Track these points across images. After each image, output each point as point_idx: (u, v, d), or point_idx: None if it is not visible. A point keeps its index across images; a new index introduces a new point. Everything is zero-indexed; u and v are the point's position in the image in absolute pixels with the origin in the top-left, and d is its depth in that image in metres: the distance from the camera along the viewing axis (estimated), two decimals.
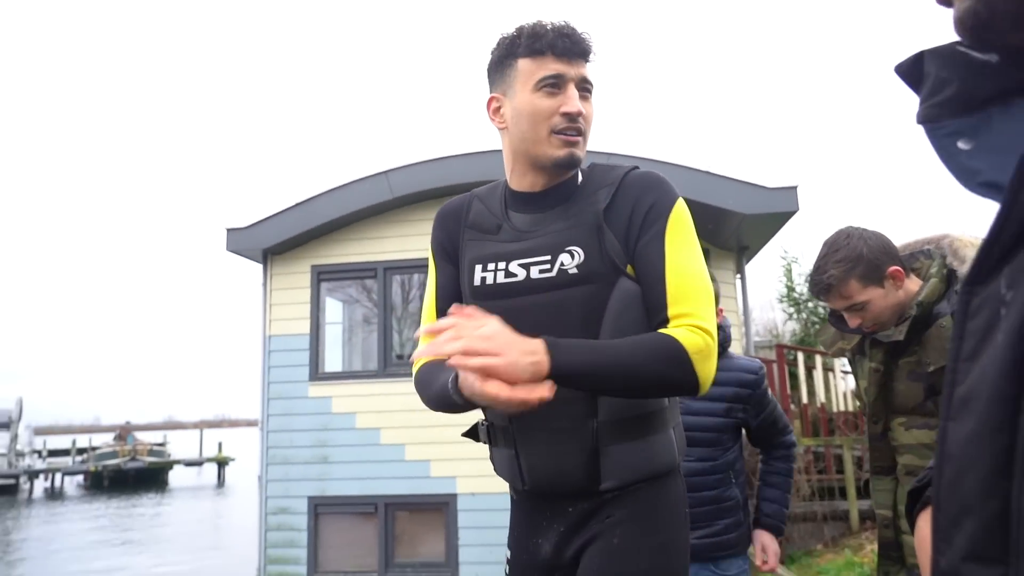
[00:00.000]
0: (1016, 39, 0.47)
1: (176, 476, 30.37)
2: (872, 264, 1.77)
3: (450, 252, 1.43)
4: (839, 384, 8.00)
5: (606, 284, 1.25)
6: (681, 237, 1.28)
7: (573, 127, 1.28)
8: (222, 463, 30.75)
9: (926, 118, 0.51)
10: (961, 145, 0.50)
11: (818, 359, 7.61)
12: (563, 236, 1.28)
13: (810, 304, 12.84)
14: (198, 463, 32.56)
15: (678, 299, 1.23)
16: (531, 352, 1.07)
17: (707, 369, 1.19)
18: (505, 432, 1.34)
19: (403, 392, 6.96)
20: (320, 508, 7.08)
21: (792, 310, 13.59)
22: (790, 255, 13.47)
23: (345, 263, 7.53)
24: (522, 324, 1.22)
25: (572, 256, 1.26)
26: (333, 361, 7.67)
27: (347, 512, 7.03)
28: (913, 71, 0.53)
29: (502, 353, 1.04)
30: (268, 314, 7.56)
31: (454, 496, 6.77)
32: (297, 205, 7.37)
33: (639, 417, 1.27)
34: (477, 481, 6.52)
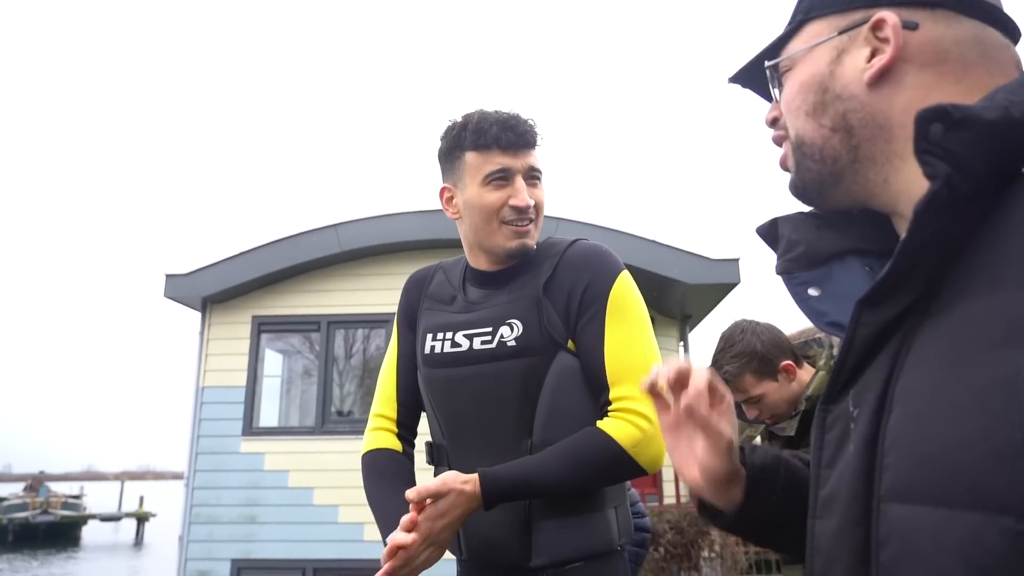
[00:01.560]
0: (828, 207, 0.65)
1: (91, 532, 28.47)
2: (765, 359, 1.87)
3: (411, 320, 1.48)
4: None
5: (545, 357, 1.27)
6: (620, 315, 1.28)
7: (523, 218, 1.31)
8: (142, 519, 29.04)
9: (783, 270, 0.66)
10: (811, 292, 0.64)
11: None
12: (505, 309, 1.31)
13: None
14: (116, 518, 30.70)
15: (616, 381, 1.24)
16: (465, 500, 1.16)
17: (649, 454, 1.21)
18: None
19: (340, 450, 6.74)
20: (244, 572, 6.69)
21: None
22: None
23: (288, 315, 7.37)
24: (463, 393, 1.31)
25: (512, 329, 1.29)
26: (269, 415, 7.41)
27: None
28: (770, 232, 0.69)
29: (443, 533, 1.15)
30: (203, 364, 7.29)
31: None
32: (242, 254, 7.23)
33: (575, 496, 1.26)
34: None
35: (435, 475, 1.37)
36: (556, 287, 1.30)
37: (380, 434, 1.44)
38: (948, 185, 0.48)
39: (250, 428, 7.07)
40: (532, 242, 1.34)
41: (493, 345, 1.29)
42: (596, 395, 1.27)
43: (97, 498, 34.25)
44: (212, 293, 7.21)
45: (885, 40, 0.59)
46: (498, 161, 1.30)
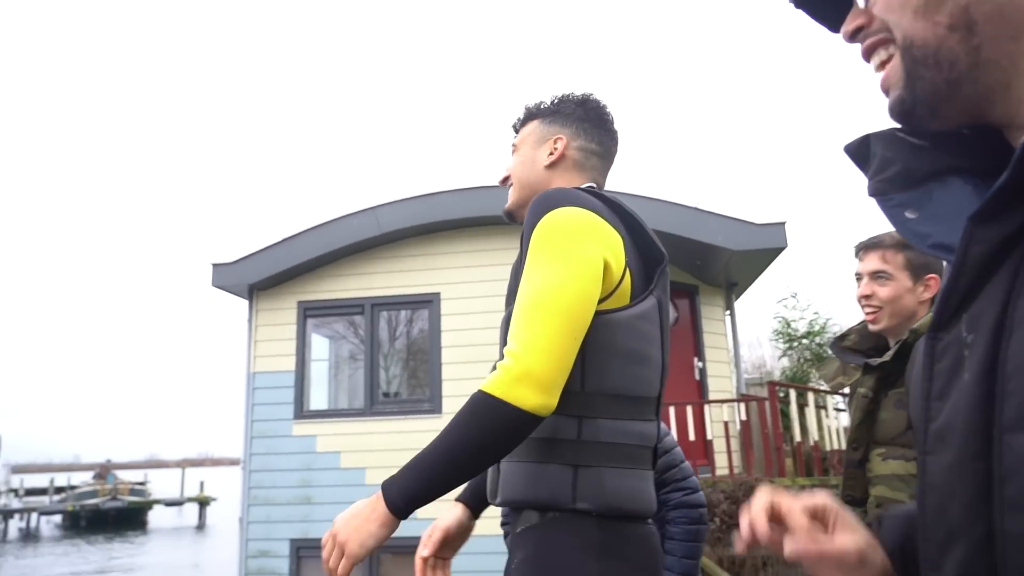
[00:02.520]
0: (938, 126, 0.57)
1: (156, 516, 29.66)
2: (923, 258, 1.83)
3: None
4: (832, 423, 7.93)
5: None
6: (535, 256, 1.22)
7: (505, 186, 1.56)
8: (203, 503, 30.10)
9: (876, 192, 0.60)
10: (908, 215, 0.58)
11: (811, 397, 7.55)
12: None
13: (804, 340, 12.81)
14: (179, 503, 31.85)
15: (512, 328, 1.18)
16: (371, 517, 1.15)
17: (522, 394, 1.11)
18: None
19: (389, 431, 6.83)
20: (303, 551, 6.87)
21: (785, 346, 13.56)
22: (789, 291, 13.52)
23: (332, 299, 7.45)
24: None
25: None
26: (318, 399, 7.54)
27: None
28: (860, 151, 0.63)
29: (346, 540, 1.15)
30: (253, 351, 7.44)
31: None
32: (284, 240, 7.32)
33: (532, 439, 1.20)
34: None
35: None
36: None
37: None
38: None
39: (301, 411, 7.20)
40: (509, 206, 1.53)
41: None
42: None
43: (160, 485, 35.59)
44: (257, 280, 7.33)
45: None
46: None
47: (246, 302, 7.65)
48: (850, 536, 0.65)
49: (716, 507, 5.88)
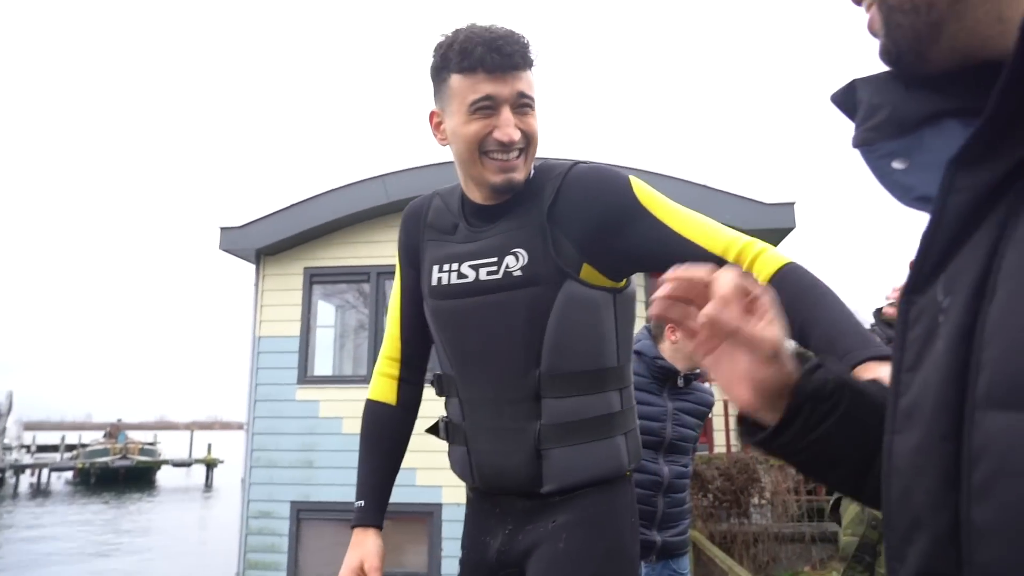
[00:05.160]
0: (932, 69, 0.50)
1: (165, 477, 30.17)
2: None
3: (411, 254, 1.45)
4: None
5: (551, 287, 1.24)
6: (661, 205, 1.24)
7: (509, 151, 1.22)
8: (211, 465, 30.57)
9: (863, 142, 0.54)
10: (896, 165, 0.52)
11: None
12: (510, 237, 1.27)
13: None
14: (187, 464, 32.38)
15: (724, 244, 1.16)
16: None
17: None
18: (459, 430, 1.37)
19: None
20: (303, 514, 6.99)
21: None
22: None
23: (338, 266, 7.48)
24: (471, 324, 1.31)
25: (517, 258, 1.25)
26: (323, 365, 7.61)
27: (330, 519, 6.93)
28: (847, 99, 0.57)
29: None
30: (259, 315, 7.50)
31: (439, 506, 6.68)
32: (292, 206, 7.34)
33: (583, 422, 1.26)
34: (463, 491, 6.41)
35: (445, 406, 1.42)
36: (563, 213, 1.25)
37: (381, 381, 1.47)
38: None
39: (305, 376, 7.27)
40: (520, 176, 1.25)
41: (499, 275, 1.26)
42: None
43: (169, 446, 36.17)
44: (265, 245, 7.36)
45: None
46: (483, 88, 1.20)
47: (253, 267, 7.69)
48: (772, 328, 0.62)
49: (710, 483, 5.93)
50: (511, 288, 1.25)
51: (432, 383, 1.44)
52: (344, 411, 7.05)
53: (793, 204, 6.90)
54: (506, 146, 1.21)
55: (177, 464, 31.90)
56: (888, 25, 0.51)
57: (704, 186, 6.88)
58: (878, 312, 1.91)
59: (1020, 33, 0.37)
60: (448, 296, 1.33)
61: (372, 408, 1.46)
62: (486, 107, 1.21)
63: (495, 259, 1.27)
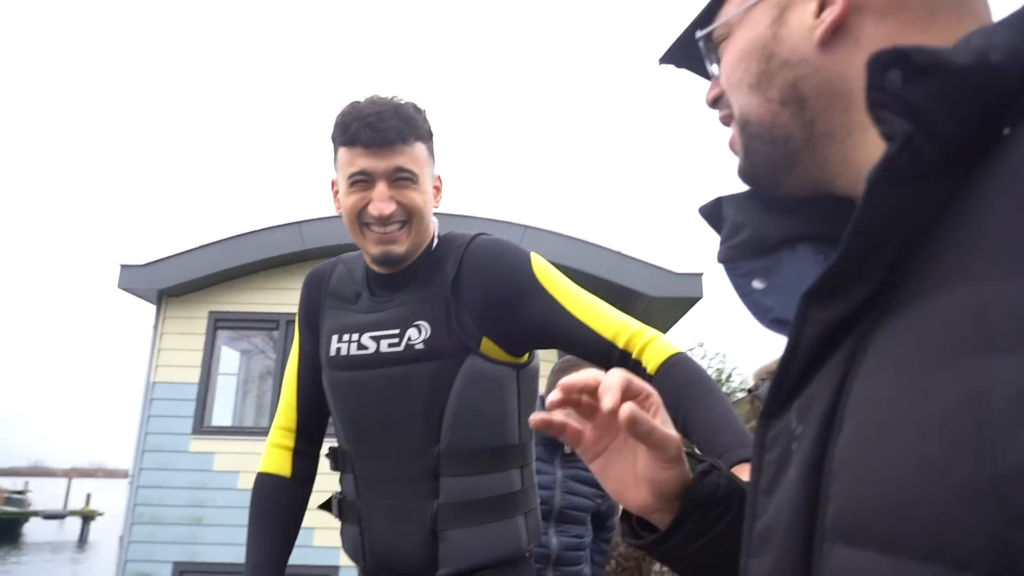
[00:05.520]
0: (785, 193, 0.55)
1: (33, 530, 27.50)
2: None
3: (311, 320, 1.42)
4: None
5: (453, 361, 1.23)
6: (558, 284, 1.25)
7: (386, 224, 1.23)
8: (88, 517, 28.15)
9: (726, 259, 0.57)
10: (756, 284, 0.55)
11: None
12: (412, 309, 1.26)
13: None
14: (60, 516, 29.74)
15: (614, 329, 1.19)
16: None
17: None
18: (352, 508, 1.31)
19: None
20: (186, 575, 6.50)
21: None
22: (696, 341, 14.06)
23: (247, 312, 7.22)
24: (369, 397, 1.27)
25: (419, 331, 1.24)
26: (222, 414, 7.23)
27: None
28: (713, 213, 0.60)
29: None
30: (155, 359, 7.10)
31: (336, 568, 6.38)
32: (202, 247, 7.08)
33: (482, 501, 1.23)
34: None
35: (340, 482, 1.36)
36: (464, 286, 1.25)
37: (273, 453, 1.40)
38: (909, 148, 0.39)
39: (201, 427, 6.89)
40: (400, 249, 1.24)
41: (401, 348, 1.24)
42: (604, 361, 1.17)
43: (44, 495, 33.14)
44: (169, 286, 7.03)
45: None
46: (359, 162, 1.22)
47: (153, 308, 7.31)
48: (670, 427, 0.62)
49: (614, 549, 5.93)
50: (413, 361, 1.23)
51: (328, 456, 1.39)
52: (241, 465, 6.68)
53: (702, 274, 7.21)
54: (382, 219, 1.22)
55: (48, 516, 29.25)
56: (747, 149, 0.55)
57: (618, 252, 7.11)
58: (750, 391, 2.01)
59: (867, 185, 0.40)
60: (347, 367, 1.29)
61: (263, 482, 1.38)
62: (362, 181, 1.23)
63: (397, 331, 1.25)
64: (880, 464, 0.38)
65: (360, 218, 1.24)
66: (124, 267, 7.08)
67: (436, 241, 1.33)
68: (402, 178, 1.23)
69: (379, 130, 1.20)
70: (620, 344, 1.17)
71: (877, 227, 0.41)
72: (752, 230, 0.56)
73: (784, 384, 0.49)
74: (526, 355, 1.31)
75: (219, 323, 7.21)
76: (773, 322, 0.54)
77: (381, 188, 1.22)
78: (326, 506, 1.39)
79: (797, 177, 0.54)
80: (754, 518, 0.50)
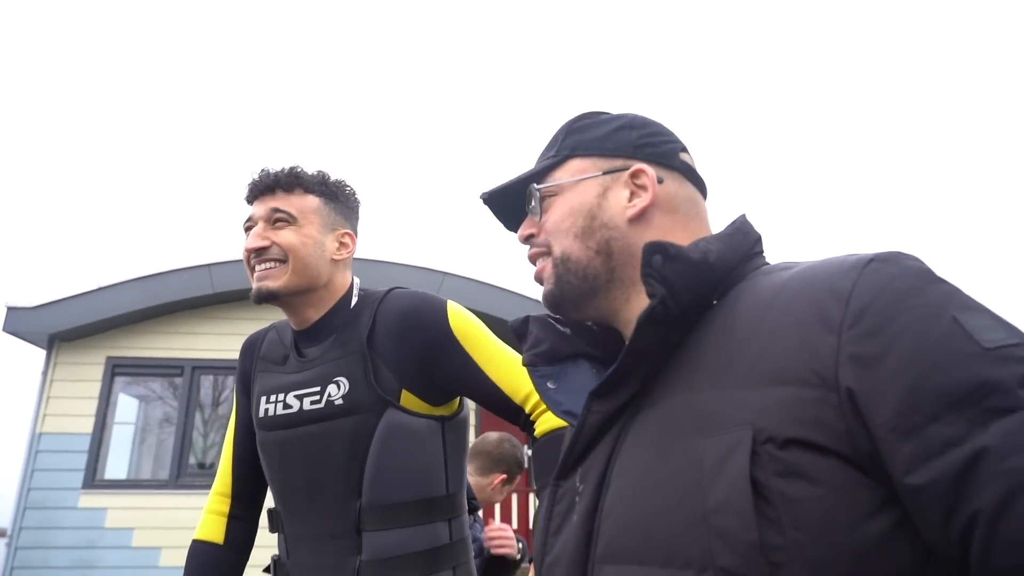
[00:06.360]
0: (579, 317, 0.76)
1: None
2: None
3: (246, 385, 1.45)
4: None
5: (373, 415, 1.24)
6: (474, 337, 1.28)
7: (258, 261, 1.30)
8: None
9: (529, 363, 0.76)
10: (550, 384, 0.74)
11: None
12: (332, 366, 1.28)
13: None
14: None
15: (524, 393, 1.24)
16: None
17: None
18: (283, 568, 1.31)
19: (195, 506, 6.24)
20: None
21: None
22: None
23: (148, 357, 6.86)
24: (294, 455, 1.28)
25: (338, 387, 1.26)
26: (117, 467, 6.78)
27: None
28: (522, 327, 0.79)
29: None
30: (43, 408, 6.60)
31: None
32: (100, 289, 6.70)
33: (406, 557, 1.21)
34: None
35: (278, 543, 1.34)
36: (380, 340, 1.27)
37: (208, 519, 1.40)
38: (663, 303, 0.61)
39: (92, 480, 6.43)
40: (275, 284, 1.28)
41: (322, 404, 1.26)
42: (514, 418, 1.25)
43: None
44: (61, 330, 6.60)
45: (642, 187, 0.72)
46: (248, 212, 1.35)
47: (43, 353, 6.84)
48: None
49: None
50: (332, 417, 1.24)
51: (267, 517, 1.38)
52: (136, 521, 6.27)
53: None
54: (255, 254, 1.30)
55: None
56: (560, 280, 0.74)
57: (536, 300, 7.23)
58: None
59: (637, 323, 0.62)
60: (274, 427, 1.30)
61: (195, 548, 1.37)
62: (248, 227, 1.34)
63: (318, 388, 1.26)
64: (635, 509, 0.59)
65: (248, 261, 1.31)
66: (11, 309, 6.61)
67: (355, 299, 1.36)
68: (279, 219, 1.30)
69: (261, 179, 1.33)
70: (527, 409, 1.23)
71: (641, 351, 0.63)
72: (548, 345, 0.76)
73: (572, 455, 0.68)
74: (455, 403, 1.33)
75: (117, 369, 6.81)
76: (563, 412, 0.72)
77: (257, 228, 1.31)
78: (269, 569, 1.36)
79: (594, 306, 0.74)
80: (544, 553, 0.68)
